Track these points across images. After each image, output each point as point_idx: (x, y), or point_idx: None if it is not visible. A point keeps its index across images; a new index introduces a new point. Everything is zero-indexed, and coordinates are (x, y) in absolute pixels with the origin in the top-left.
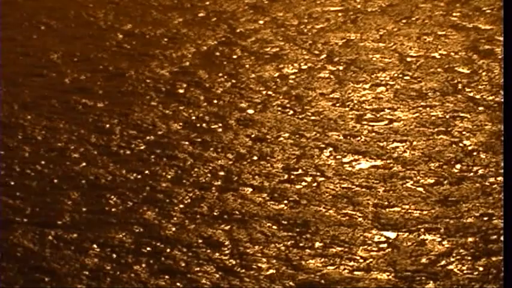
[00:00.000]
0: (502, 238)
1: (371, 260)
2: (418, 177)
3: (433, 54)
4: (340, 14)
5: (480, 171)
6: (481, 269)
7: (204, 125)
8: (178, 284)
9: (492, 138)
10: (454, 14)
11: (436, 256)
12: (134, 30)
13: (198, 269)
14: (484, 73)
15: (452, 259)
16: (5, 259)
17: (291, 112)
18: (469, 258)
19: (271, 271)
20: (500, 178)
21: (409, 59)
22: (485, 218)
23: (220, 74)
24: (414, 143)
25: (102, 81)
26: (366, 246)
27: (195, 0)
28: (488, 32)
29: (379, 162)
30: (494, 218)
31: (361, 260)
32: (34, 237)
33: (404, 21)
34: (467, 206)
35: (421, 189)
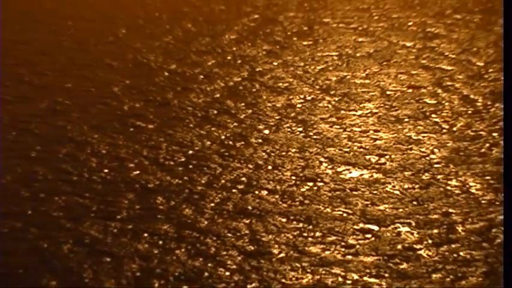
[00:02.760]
0: (460, 229)
1: (358, 246)
2: (396, 183)
3: (407, 89)
4: (336, 58)
5: (443, 179)
6: (443, 253)
7: (230, 142)
8: (209, 264)
9: (452, 153)
10: (424, 57)
11: (409, 244)
12: (177, 69)
13: (224, 253)
14: (446, 103)
15: (421, 246)
16: (76, 245)
17: (298, 132)
18: (434, 245)
19: (281, 255)
20: (458, 184)
21: (388, 92)
22: (447, 215)
23: (243, 103)
24: (393, 156)
25: (153, 109)
26: (354, 236)
27: (224, 47)
28: (450, 72)
29: (365, 171)
30: (453, 214)
31: (351, 247)
32: (99, 228)
33: (385, 63)
34: (433, 205)
35: (397, 192)
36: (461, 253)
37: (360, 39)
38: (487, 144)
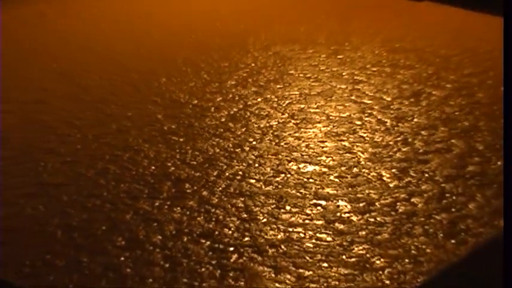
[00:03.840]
0: (377, 203)
1: (313, 215)
2: (336, 174)
3: (343, 115)
4: (297, 95)
5: (366, 172)
6: (366, 219)
7: (231, 149)
8: (217, 227)
9: (372, 156)
10: (353, 95)
11: (344, 212)
12: (198, 103)
13: (228, 219)
14: (368, 124)
15: (352, 214)
16: (135, 215)
17: (274, 143)
18: (360, 213)
19: (264, 220)
20: (375, 174)
21: (331, 117)
22: (368, 194)
23: (239, 125)
24: (334, 157)
25: (182, 128)
26: (310, 208)
27: (227, 89)
28: (369, 104)
29: (317, 167)
30: (372, 194)
31: (308, 215)
32: (148, 204)
33: (328, 99)
34: (360, 188)
35: (337, 180)
36: (378, 218)
37: (313, 84)
38: (394, 149)
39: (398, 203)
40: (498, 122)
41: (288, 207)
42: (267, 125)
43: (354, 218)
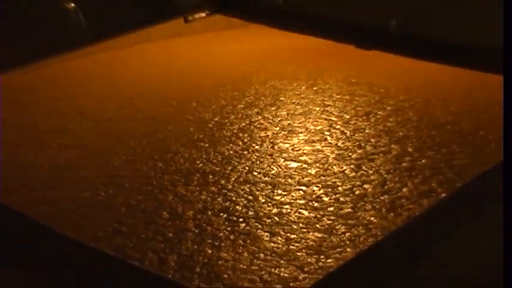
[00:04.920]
0: (339, 188)
1: (294, 195)
2: (311, 168)
3: (315, 130)
4: (282, 127)
5: (331, 167)
6: (334, 198)
7: (239, 153)
8: (227, 201)
9: (337, 156)
10: (323, 119)
11: (316, 194)
12: (215, 124)
13: (232, 194)
14: (334, 135)
15: (323, 194)
16: (176, 197)
17: (266, 147)
18: (328, 196)
19: (250, 197)
20: (338, 168)
21: (310, 129)
22: (334, 182)
23: (245, 135)
24: (310, 157)
25: (208, 139)
26: (294, 193)
27: (234, 115)
28: (336, 122)
29: (298, 164)
30: (338, 183)
31: (293, 197)
32: (185, 189)
33: (303, 118)
34: (325, 178)
35: (313, 173)
36: (341, 199)
37: (296, 107)
38: (352, 151)
39: (354, 188)
40: (423, 132)
41: (279, 191)
42: (265, 135)
43: (325, 199)
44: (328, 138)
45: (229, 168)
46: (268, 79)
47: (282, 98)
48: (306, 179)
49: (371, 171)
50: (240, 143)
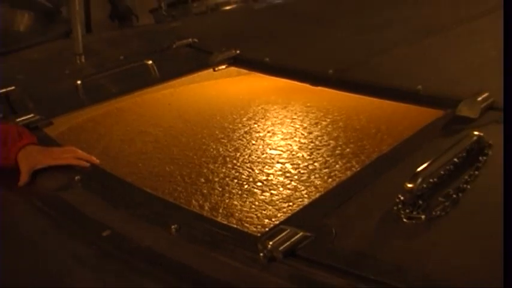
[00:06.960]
0: (318, 174)
1: (280, 180)
2: (294, 159)
3: (301, 141)
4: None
5: (305, 160)
6: (301, 180)
7: (240, 154)
8: (230, 184)
9: (312, 154)
10: (304, 134)
11: (290, 176)
12: (219, 143)
13: (231, 179)
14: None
15: (296, 176)
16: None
17: (264, 146)
18: (299, 180)
19: (244, 177)
20: (306, 163)
21: (295, 139)
22: (308, 174)
23: (243, 141)
24: (295, 152)
25: (221, 145)
26: (279, 176)
27: (235, 135)
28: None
29: (285, 155)
30: (311, 173)
31: (279, 182)
32: (201, 174)
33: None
34: (301, 165)
35: (296, 163)
36: (301, 171)
37: (281, 124)
38: (305, 144)
39: (309, 165)
40: (348, 133)
41: (266, 167)
42: (258, 136)
43: (292, 171)
44: (295, 137)
45: (238, 154)
46: (260, 104)
47: (268, 115)
48: (281, 160)
49: (319, 156)
50: (244, 140)
